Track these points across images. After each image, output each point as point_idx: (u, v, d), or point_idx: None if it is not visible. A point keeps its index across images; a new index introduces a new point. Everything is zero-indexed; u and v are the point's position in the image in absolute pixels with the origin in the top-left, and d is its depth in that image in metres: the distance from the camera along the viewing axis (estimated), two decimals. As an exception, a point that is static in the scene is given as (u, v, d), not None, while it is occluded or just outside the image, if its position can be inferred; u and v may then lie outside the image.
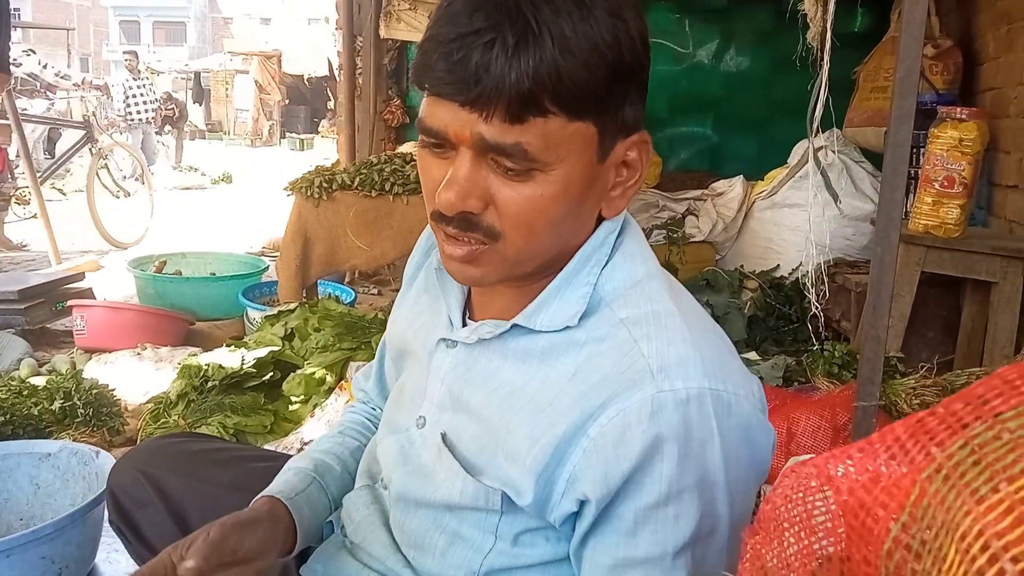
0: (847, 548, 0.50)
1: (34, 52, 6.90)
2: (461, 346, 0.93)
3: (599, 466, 0.80)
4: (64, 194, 10.18)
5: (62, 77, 7.62)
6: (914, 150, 3.05)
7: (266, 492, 1.08)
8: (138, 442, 2.57)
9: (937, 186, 2.80)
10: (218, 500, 1.21)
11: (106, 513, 1.34)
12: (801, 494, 0.57)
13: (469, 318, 0.97)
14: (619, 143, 0.83)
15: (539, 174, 0.79)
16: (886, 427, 0.52)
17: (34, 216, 6.62)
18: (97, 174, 6.70)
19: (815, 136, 3.12)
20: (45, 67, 7.18)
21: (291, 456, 1.31)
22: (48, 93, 7.79)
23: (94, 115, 7.66)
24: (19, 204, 6.91)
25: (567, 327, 0.86)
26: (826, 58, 2.55)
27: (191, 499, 1.23)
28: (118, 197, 7.15)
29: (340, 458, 1.16)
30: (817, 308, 2.77)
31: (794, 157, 4.23)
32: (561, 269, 0.88)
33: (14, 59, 6.43)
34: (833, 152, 3.97)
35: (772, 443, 0.88)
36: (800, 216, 3.97)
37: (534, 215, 0.80)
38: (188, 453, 1.29)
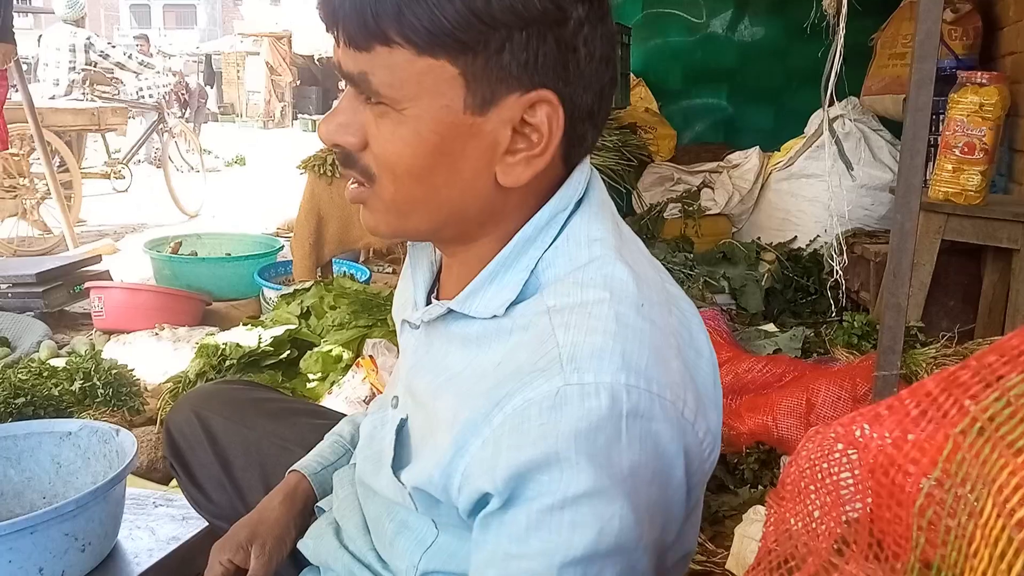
0: (875, 508, 0.49)
1: (113, 46, 7.40)
2: (422, 327, 0.89)
3: (494, 458, 0.71)
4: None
5: (146, 66, 8.10)
6: (933, 116, 3.00)
7: (297, 465, 1.14)
8: (158, 422, 2.59)
9: (957, 152, 2.76)
10: (260, 448, 1.27)
11: (127, 495, 1.37)
12: (825, 455, 0.56)
13: (435, 298, 0.92)
14: (506, 97, 0.74)
15: (393, 112, 0.74)
16: (916, 384, 0.50)
17: (125, 191, 7.75)
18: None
19: (831, 105, 3.09)
20: (130, 57, 7.59)
21: (333, 414, 1.36)
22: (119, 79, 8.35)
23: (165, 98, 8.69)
24: (116, 179, 7.55)
25: (495, 316, 0.79)
26: (842, 24, 2.51)
27: (236, 444, 1.28)
28: (181, 172, 8.09)
29: None
30: (839, 276, 2.75)
31: (810, 127, 4.18)
32: (493, 245, 0.81)
33: (102, 51, 7.08)
34: (850, 121, 3.92)
35: (690, 473, 0.76)
36: (817, 187, 3.93)
37: (393, 157, 0.76)
38: (241, 400, 1.34)
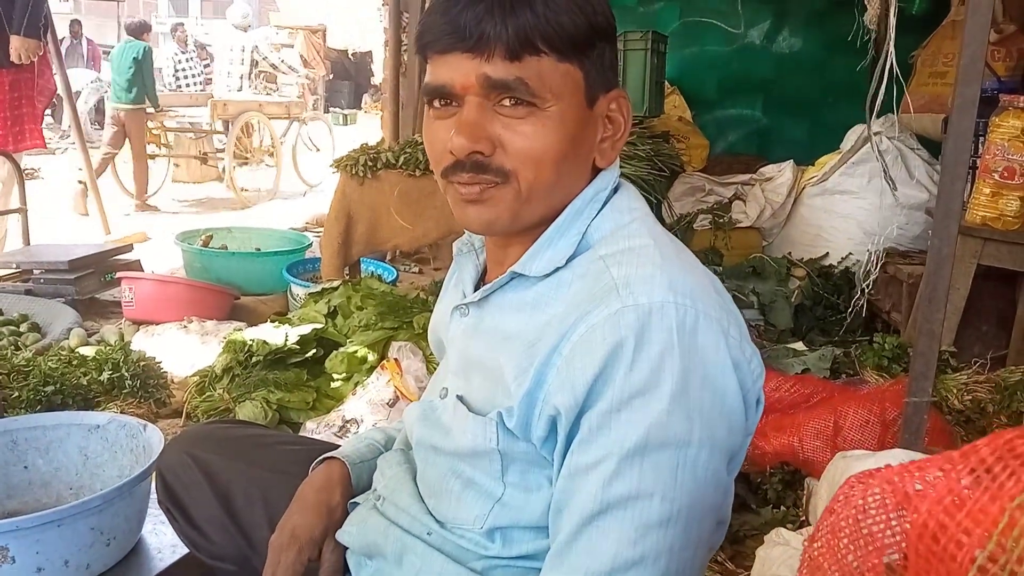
0: (924, 572, 0.48)
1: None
2: (472, 311, 1.01)
3: (567, 378, 0.84)
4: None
5: (292, 69, 9.77)
6: (973, 139, 2.96)
7: (335, 453, 1.18)
8: (184, 414, 2.61)
9: (996, 177, 2.72)
10: (261, 482, 1.27)
11: (153, 491, 1.37)
12: (870, 508, 0.55)
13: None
14: (601, 96, 0.93)
15: (538, 111, 0.88)
16: (969, 447, 0.49)
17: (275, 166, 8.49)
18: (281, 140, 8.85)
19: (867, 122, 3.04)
20: (282, 60, 9.26)
21: (328, 444, 1.37)
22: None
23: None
24: (270, 156, 8.69)
25: (556, 269, 0.92)
26: (891, 38, 2.47)
27: (236, 481, 1.26)
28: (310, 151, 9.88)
29: None
30: (868, 293, 2.70)
31: (847, 142, 4.13)
32: (550, 223, 0.95)
33: (264, 56, 8.80)
34: (888, 139, 3.86)
35: (746, 383, 0.87)
36: (852, 204, 3.88)
37: (539, 149, 0.89)
38: (233, 437, 1.35)
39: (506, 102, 0.88)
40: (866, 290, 2.63)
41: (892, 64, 2.57)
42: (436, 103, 0.93)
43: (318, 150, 10.10)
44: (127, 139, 7.29)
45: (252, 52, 8.66)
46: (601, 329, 0.83)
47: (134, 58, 7.13)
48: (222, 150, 8.11)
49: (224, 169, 7.98)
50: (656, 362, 0.81)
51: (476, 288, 1.05)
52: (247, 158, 8.36)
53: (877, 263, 2.77)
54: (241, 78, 8.60)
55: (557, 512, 0.87)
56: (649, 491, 0.81)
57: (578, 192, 0.95)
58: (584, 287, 0.89)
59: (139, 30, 7.55)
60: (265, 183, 8.42)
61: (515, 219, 0.93)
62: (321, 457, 1.19)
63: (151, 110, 7.53)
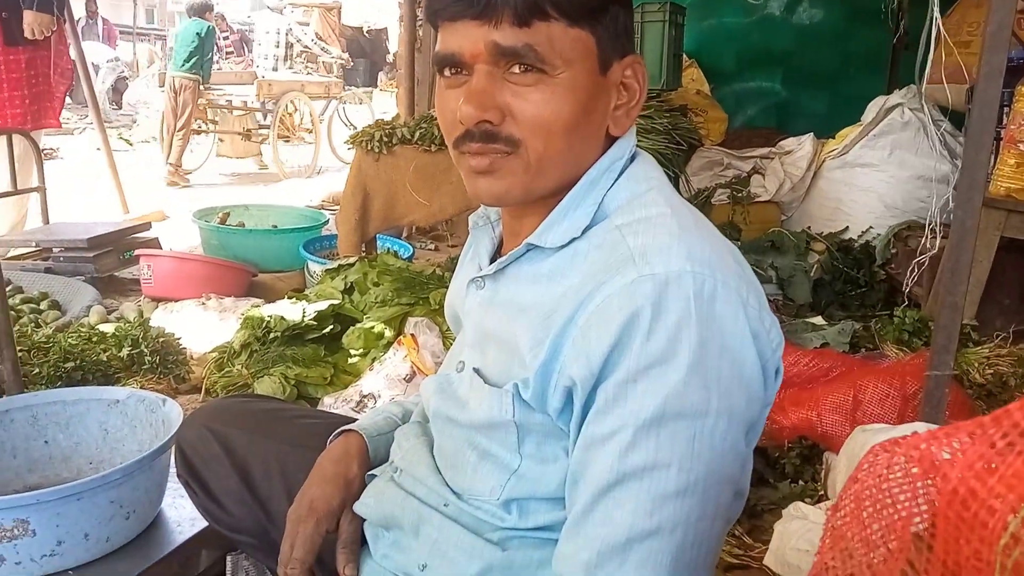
0: (951, 540, 0.46)
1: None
2: (488, 284, 0.99)
3: (583, 348, 0.83)
4: (131, 144, 10.41)
5: (324, 50, 10.34)
6: (998, 109, 2.90)
7: (353, 426, 1.17)
8: (203, 390, 2.63)
9: (1022, 147, 2.67)
10: (279, 455, 1.27)
11: (173, 465, 1.38)
12: (896, 476, 0.54)
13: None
14: (616, 62, 0.91)
15: (547, 78, 0.86)
16: (1001, 411, 0.48)
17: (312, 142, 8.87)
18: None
19: (890, 94, 2.99)
20: (313, 42, 10.05)
21: (346, 418, 1.37)
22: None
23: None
24: (308, 132, 9.19)
25: (572, 239, 0.91)
26: (935, 6, 2.40)
27: (254, 454, 1.27)
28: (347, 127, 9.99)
29: None
30: (883, 267, 2.67)
31: (868, 115, 4.07)
32: (565, 193, 0.93)
33: (297, 38, 9.70)
34: (909, 110, 3.80)
35: (764, 352, 0.86)
36: (873, 176, 3.83)
37: (549, 116, 0.87)
38: (252, 411, 1.34)
39: (516, 69, 0.86)
40: (885, 264, 2.59)
41: (939, 28, 2.51)
42: (447, 72, 0.91)
43: (354, 127, 10.54)
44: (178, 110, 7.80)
45: (287, 35, 9.47)
46: (617, 299, 0.82)
47: (197, 34, 7.69)
48: (264, 127, 8.58)
49: (267, 144, 8.53)
50: (673, 331, 0.79)
51: (492, 261, 1.04)
52: (288, 135, 8.99)
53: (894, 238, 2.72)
54: (277, 59, 9.33)
55: (573, 483, 0.86)
56: (666, 461, 0.80)
57: (591, 162, 0.93)
58: (600, 257, 0.87)
59: (202, 10, 8.02)
60: (303, 159, 8.85)
61: (527, 191, 0.92)
62: (339, 430, 1.19)
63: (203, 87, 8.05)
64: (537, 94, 0.87)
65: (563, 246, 0.92)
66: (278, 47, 9.46)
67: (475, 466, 0.96)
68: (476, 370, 0.97)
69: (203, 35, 7.73)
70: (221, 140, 8.98)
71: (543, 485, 0.92)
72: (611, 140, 0.96)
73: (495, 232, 1.07)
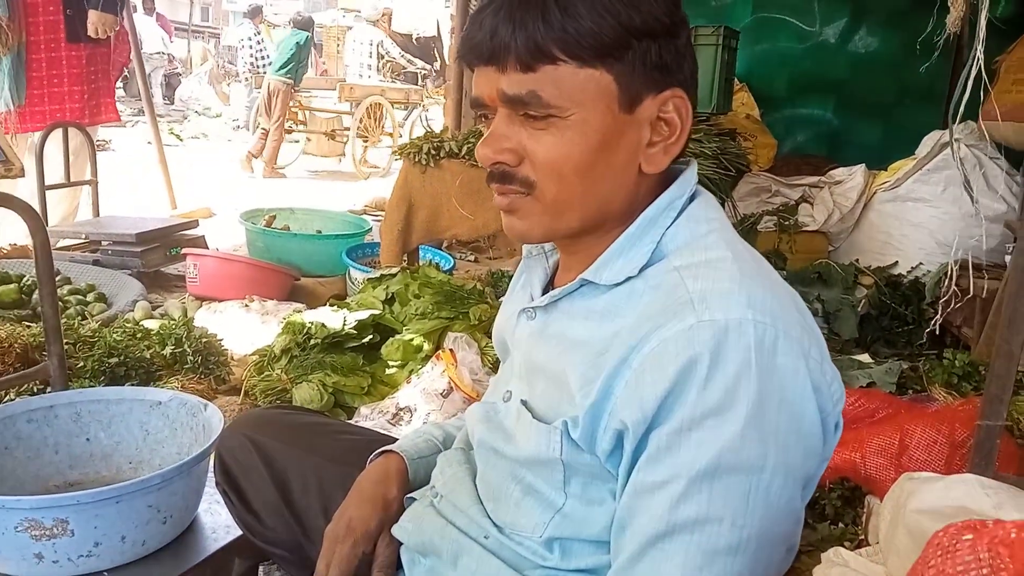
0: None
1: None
2: (539, 315, 0.99)
3: (636, 392, 0.81)
4: (180, 139, 10.60)
5: (409, 61, 11.78)
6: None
7: (394, 447, 1.17)
8: (242, 392, 2.65)
9: (1085, 191, 2.59)
10: (318, 470, 1.27)
11: (211, 470, 1.38)
12: (971, 561, 0.51)
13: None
14: (648, 97, 0.88)
15: (558, 120, 0.86)
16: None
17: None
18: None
19: (947, 128, 2.92)
20: (400, 55, 11.43)
21: (387, 436, 1.36)
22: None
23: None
24: (389, 136, 10.09)
25: (628, 278, 0.90)
26: (980, 40, 2.36)
27: (293, 467, 1.27)
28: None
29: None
30: (941, 305, 2.62)
31: (923, 148, 3.99)
32: (619, 230, 0.92)
33: (387, 49, 11.09)
34: (967, 146, 3.72)
35: (825, 406, 0.83)
36: (925, 212, 3.76)
37: (560, 160, 0.87)
38: (293, 424, 1.35)
39: (529, 112, 0.87)
40: (942, 303, 2.53)
41: (980, 69, 2.46)
42: (479, 113, 0.94)
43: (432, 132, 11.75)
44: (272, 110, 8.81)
45: (378, 46, 10.91)
46: (674, 344, 0.80)
47: (296, 43, 8.84)
48: (347, 129, 9.53)
49: (348, 144, 9.35)
50: (732, 382, 0.77)
51: (544, 292, 1.02)
52: (368, 137, 9.67)
53: (952, 277, 2.66)
54: (370, 68, 10.67)
55: (620, 530, 0.84)
56: (718, 516, 0.78)
57: (622, 201, 0.92)
58: (657, 299, 0.86)
59: (306, 24, 9.27)
60: (383, 160, 9.74)
61: (547, 230, 0.92)
62: (379, 450, 1.18)
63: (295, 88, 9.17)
64: (549, 137, 0.87)
65: (618, 284, 0.90)
66: (370, 56, 10.78)
67: (518, 501, 0.95)
68: (524, 402, 0.96)
69: (301, 44, 8.83)
70: (309, 139, 9.97)
71: (588, 527, 0.90)
72: (665, 177, 0.94)
73: (549, 263, 1.06)
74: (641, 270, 0.90)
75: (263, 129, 8.75)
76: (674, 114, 0.90)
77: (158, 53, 13.62)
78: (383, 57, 10.79)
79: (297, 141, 10.08)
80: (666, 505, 0.79)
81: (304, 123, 9.78)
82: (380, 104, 9.65)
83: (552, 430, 0.89)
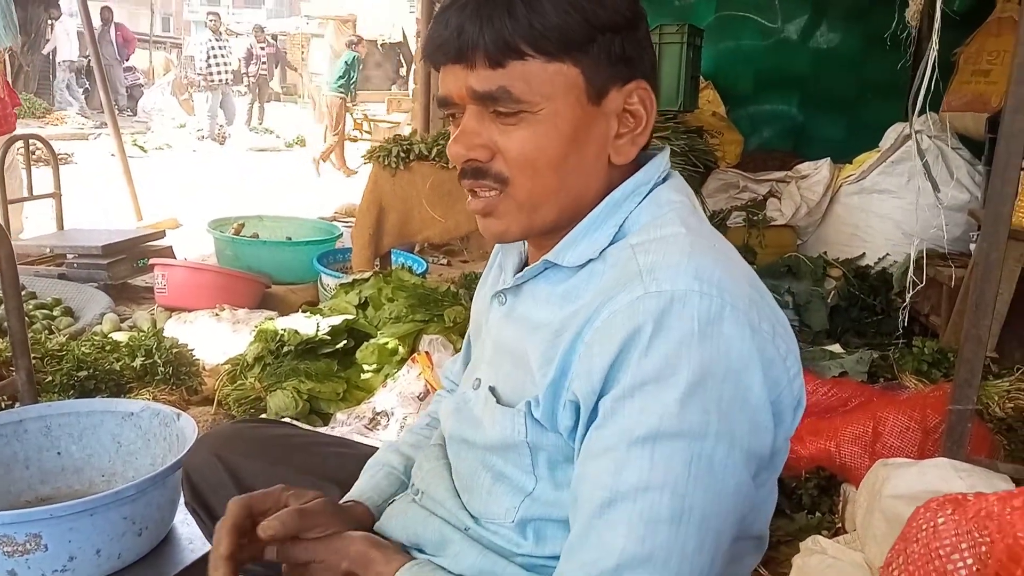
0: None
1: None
2: (508, 297, 1.00)
3: (587, 364, 0.83)
4: (145, 150, 10.47)
5: None
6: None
7: (355, 495, 1.11)
8: (215, 402, 2.62)
9: (1045, 178, 2.64)
10: (288, 483, 1.21)
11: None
12: (952, 538, 0.52)
13: None
14: (613, 89, 0.89)
15: (529, 115, 0.87)
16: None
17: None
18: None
19: (907, 120, 2.96)
20: None
21: (356, 444, 1.33)
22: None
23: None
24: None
25: (590, 260, 0.90)
26: (935, 36, 2.41)
27: (264, 482, 1.22)
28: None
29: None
30: (908, 298, 2.66)
31: (886, 141, 4.05)
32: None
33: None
34: (928, 137, 3.78)
35: (769, 377, 0.82)
36: (890, 203, 3.81)
37: (533, 153, 0.87)
38: (259, 437, 1.32)
39: (499, 108, 0.87)
40: (908, 293, 2.56)
41: (936, 61, 2.51)
42: (446, 112, 0.94)
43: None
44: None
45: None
46: (621, 315, 0.81)
47: (346, 62, 10.26)
48: None
49: None
50: (673, 348, 0.78)
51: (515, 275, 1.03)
52: None
53: (923, 270, 2.69)
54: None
55: (573, 502, 0.85)
56: (659, 483, 0.77)
57: (594, 192, 0.92)
58: (611, 276, 0.87)
59: (355, 44, 10.59)
60: None
61: (525, 228, 0.93)
62: (343, 502, 1.11)
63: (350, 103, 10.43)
64: (520, 132, 0.88)
65: (581, 266, 0.91)
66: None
67: (489, 488, 0.96)
68: (491, 388, 0.97)
69: (350, 63, 10.23)
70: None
71: (558, 509, 0.90)
72: (631, 167, 0.94)
73: (524, 247, 1.06)
74: (602, 252, 0.91)
75: (334, 136, 9.96)
76: (639, 106, 0.91)
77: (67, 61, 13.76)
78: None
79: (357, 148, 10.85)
80: (610, 470, 0.79)
81: (369, 132, 11.16)
82: None
83: (516, 413, 0.90)
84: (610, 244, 0.91)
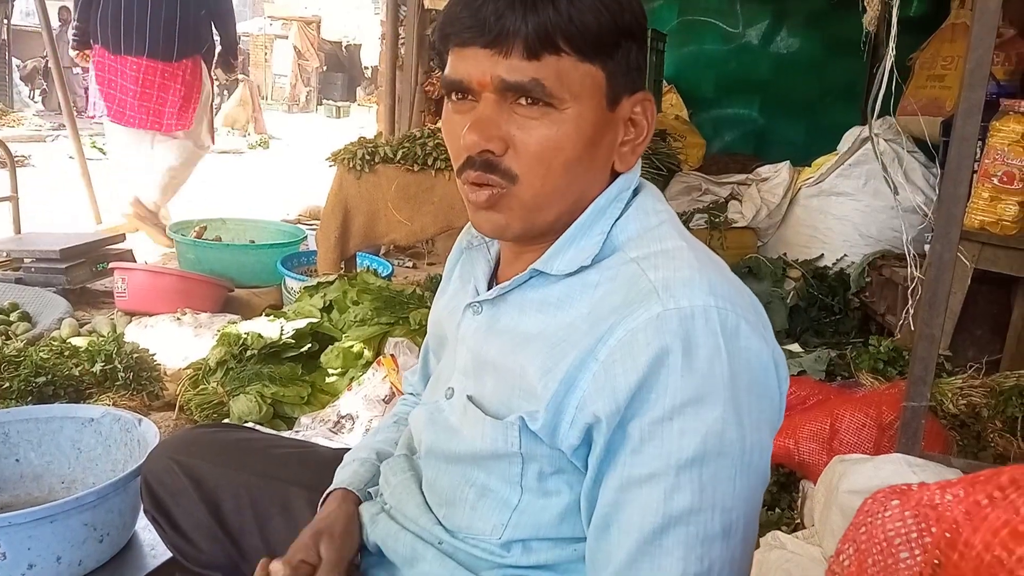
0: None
1: None
2: (485, 309, 0.98)
3: (607, 384, 0.82)
4: (104, 152, 10.30)
5: None
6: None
7: (338, 485, 1.12)
8: (177, 407, 2.59)
9: (995, 181, 2.71)
10: (250, 487, 1.22)
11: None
12: (897, 526, 0.54)
13: (496, 285, 1.01)
14: (625, 97, 0.90)
15: (554, 112, 0.85)
16: (993, 470, 0.48)
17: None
18: None
19: (866, 124, 3.03)
20: None
21: (317, 446, 1.34)
22: None
23: None
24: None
25: (581, 268, 0.90)
26: (892, 43, 2.46)
27: (224, 486, 1.22)
28: None
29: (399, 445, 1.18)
30: (865, 298, 2.70)
31: (844, 144, 4.13)
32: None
33: None
34: (884, 141, 3.86)
35: (781, 383, 0.87)
36: (848, 205, 3.88)
37: (550, 153, 0.86)
38: (221, 442, 1.29)
39: (523, 101, 0.85)
40: (860, 292, 2.62)
41: (893, 66, 2.57)
42: (454, 96, 0.90)
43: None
44: None
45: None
46: (644, 333, 0.81)
47: None
48: None
49: None
50: (706, 367, 0.79)
51: (490, 285, 1.02)
52: None
53: (868, 267, 2.75)
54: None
55: (603, 528, 0.84)
56: (710, 503, 0.80)
57: (590, 198, 0.92)
58: (616, 290, 0.87)
59: None
60: None
61: (527, 225, 0.91)
62: (329, 491, 1.12)
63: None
64: (542, 128, 0.86)
65: (571, 274, 0.91)
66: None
67: (474, 504, 0.95)
68: (470, 398, 0.95)
69: None
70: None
71: (545, 519, 0.91)
72: (615, 175, 0.94)
73: (491, 253, 1.05)
74: (594, 260, 0.90)
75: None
76: (643, 116, 0.92)
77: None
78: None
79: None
80: (659, 498, 0.80)
81: None
82: None
83: (508, 425, 0.89)
84: (600, 252, 0.90)
